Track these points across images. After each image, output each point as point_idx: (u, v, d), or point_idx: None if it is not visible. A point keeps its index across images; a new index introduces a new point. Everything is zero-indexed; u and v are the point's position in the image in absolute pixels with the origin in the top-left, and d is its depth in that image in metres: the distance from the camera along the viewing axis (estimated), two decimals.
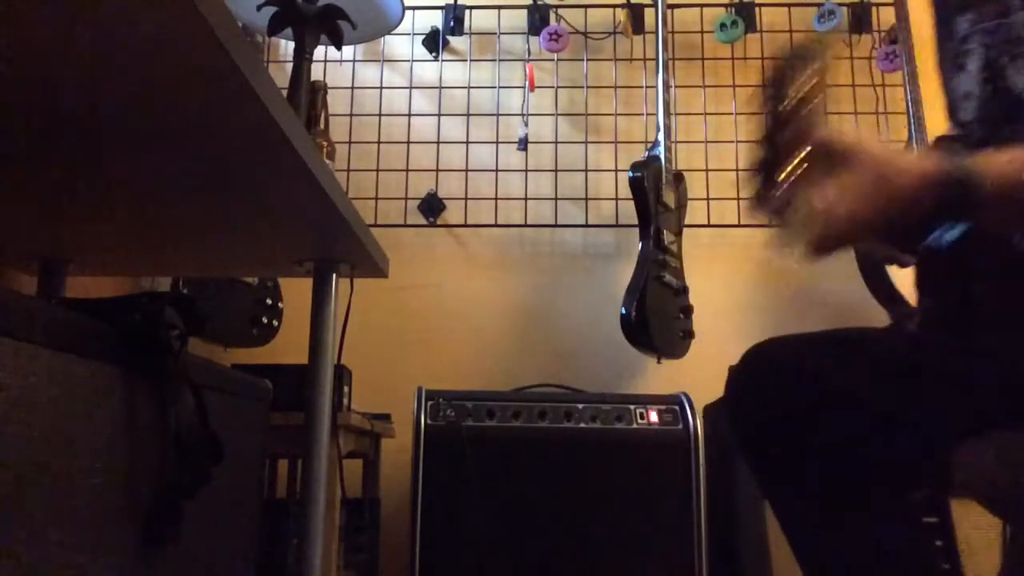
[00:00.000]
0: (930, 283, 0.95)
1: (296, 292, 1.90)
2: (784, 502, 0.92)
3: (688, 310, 2.14)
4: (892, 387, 0.85)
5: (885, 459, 0.85)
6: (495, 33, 2.53)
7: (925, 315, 0.97)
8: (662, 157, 2.14)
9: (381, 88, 2.51)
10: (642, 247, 2.08)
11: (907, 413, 0.83)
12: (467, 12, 2.49)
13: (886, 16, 2.44)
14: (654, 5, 2.29)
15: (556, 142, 2.48)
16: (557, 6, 2.49)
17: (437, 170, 2.45)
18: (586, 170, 2.46)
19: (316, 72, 1.66)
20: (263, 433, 1.19)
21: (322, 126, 1.42)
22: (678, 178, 2.24)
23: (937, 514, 1.45)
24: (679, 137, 2.46)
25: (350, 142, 2.44)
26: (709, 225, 2.41)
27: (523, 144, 2.41)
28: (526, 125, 2.44)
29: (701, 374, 2.01)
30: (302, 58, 1.25)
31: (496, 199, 2.44)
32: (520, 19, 2.50)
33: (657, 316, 1.99)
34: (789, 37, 2.51)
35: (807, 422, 0.86)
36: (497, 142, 2.47)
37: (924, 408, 0.82)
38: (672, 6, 2.48)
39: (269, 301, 1.91)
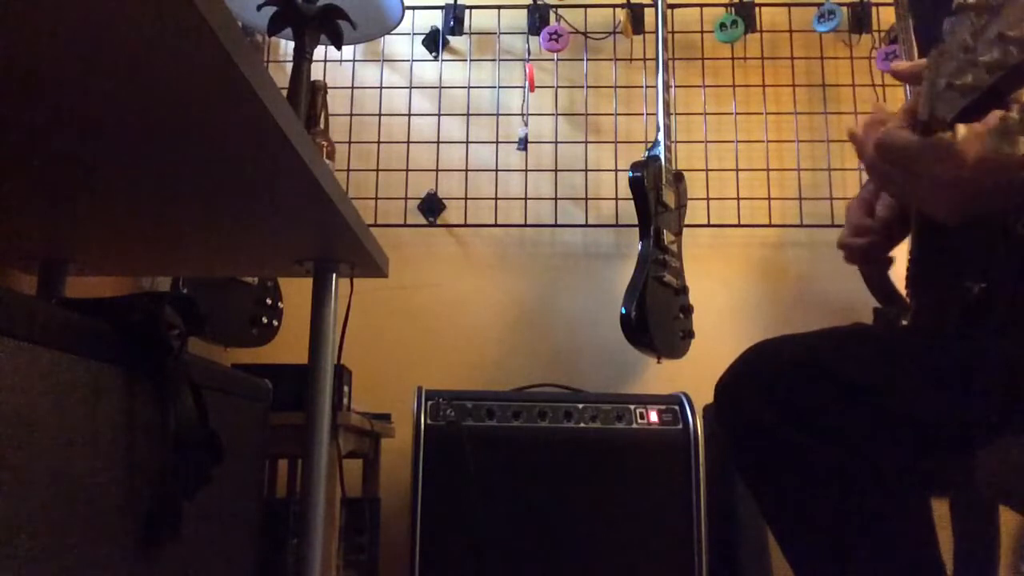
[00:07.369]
0: (930, 280, 0.92)
1: (296, 292, 1.90)
2: (779, 509, 0.89)
3: (688, 310, 2.14)
4: (911, 387, 0.81)
5: (904, 461, 0.82)
6: (495, 33, 2.53)
7: (927, 313, 0.95)
8: (662, 157, 2.14)
9: (381, 88, 2.51)
10: (642, 247, 2.08)
11: (929, 414, 0.80)
12: (467, 12, 2.49)
13: (886, 16, 2.44)
14: (654, 5, 2.30)
15: (556, 142, 2.48)
16: (557, 6, 2.49)
17: (437, 170, 2.45)
18: (586, 170, 2.46)
19: (316, 72, 1.66)
20: (263, 433, 1.19)
21: (322, 126, 1.42)
22: (678, 178, 2.24)
23: (981, 519, 1.41)
24: (679, 137, 2.46)
25: (350, 142, 2.44)
26: (709, 225, 2.41)
27: (523, 144, 2.41)
28: (526, 125, 2.44)
29: (701, 374, 2.00)
30: (302, 58, 1.25)
31: (496, 199, 2.44)
32: (520, 19, 2.50)
33: (657, 316, 1.99)
34: (789, 37, 2.51)
35: (812, 421, 0.82)
36: (497, 142, 2.47)
37: (947, 409, 0.80)
38: (672, 6, 2.48)
39: (269, 301, 1.91)
